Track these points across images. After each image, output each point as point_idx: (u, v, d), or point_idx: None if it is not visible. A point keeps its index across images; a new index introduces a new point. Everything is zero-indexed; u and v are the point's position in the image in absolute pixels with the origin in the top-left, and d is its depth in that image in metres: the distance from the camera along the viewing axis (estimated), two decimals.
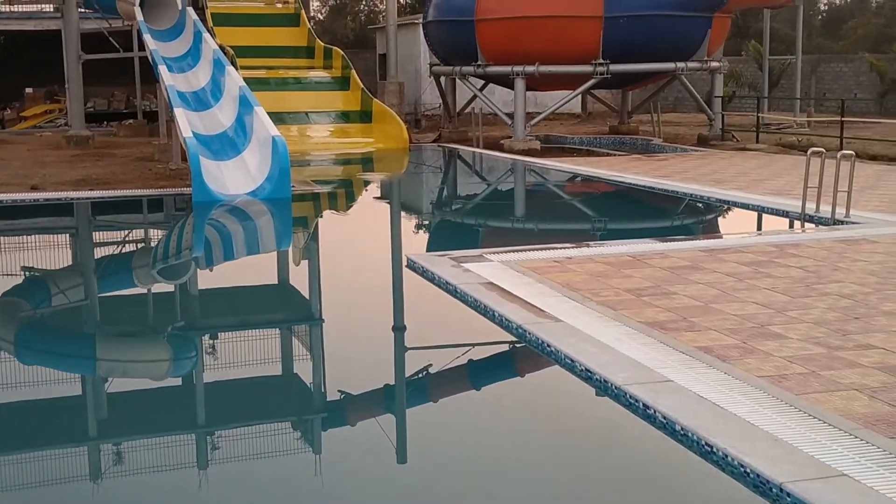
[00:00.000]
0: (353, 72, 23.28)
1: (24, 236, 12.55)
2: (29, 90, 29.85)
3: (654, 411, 5.00)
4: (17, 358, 7.15)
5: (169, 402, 6.13)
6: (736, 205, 12.69)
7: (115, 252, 11.89)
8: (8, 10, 28.57)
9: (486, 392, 6.36)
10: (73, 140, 21.67)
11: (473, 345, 6.93)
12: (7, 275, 10.06)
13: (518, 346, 6.69)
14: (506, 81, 22.67)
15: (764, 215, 11.98)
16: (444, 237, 12.36)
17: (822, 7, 54.17)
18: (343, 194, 16.46)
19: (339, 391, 6.18)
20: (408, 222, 13.84)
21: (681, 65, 21.39)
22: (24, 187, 14.60)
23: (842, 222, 10.57)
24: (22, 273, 10.14)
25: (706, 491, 4.53)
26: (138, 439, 5.35)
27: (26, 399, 6.12)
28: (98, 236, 12.98)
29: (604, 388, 5.49)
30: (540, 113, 23.37)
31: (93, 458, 5.14)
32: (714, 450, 4.53)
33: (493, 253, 8.97)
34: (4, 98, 30.42)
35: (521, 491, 4.60)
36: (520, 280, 7.85)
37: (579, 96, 25.66)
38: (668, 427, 4.88)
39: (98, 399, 6.18)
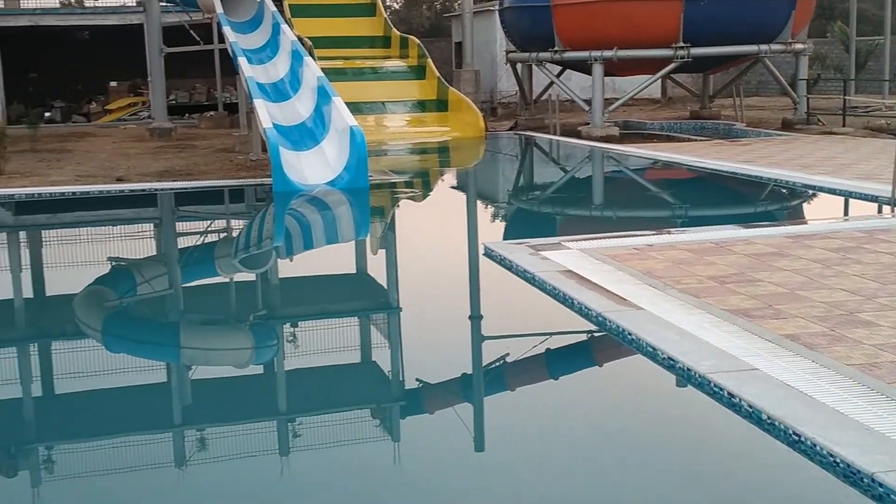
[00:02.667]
0: (429, 60, 23.27)
1: (110, 227, 12.86)
2: (113, 84, 30.55)
3: (740, 400, 4.88)
4: (105, 346, 7.32)
5: (250, 390, 6.20)
6: (822, 190, 12.34)
7: (198, 242, 12.10)
8: (92, 5, 29.31)
9: (564, 381, 6.29)
10: (156, 132, 22.13)
11: (551, 333, 6.86)
12: (94, 264, 10.31)
13: (597, 334, 6.60)
14: (583, 67, 22.43)
15: (851, 200, 11.62)
16: (521, 225, 12.28)
17: None
18: (419, 183, 16.49)
19: (416, 379, 6.18)
20: (484, 211, 13.80)
21: (764, 47, 20.87)
22: (110, 179, 14.97)
23: None
24: (108, 263, 10.38)
25: (794, 481, 4.40)
26: (221, 426, 5.43)
27: (113, 386, 6.26)
28: (181, 226, 13.22)
29: (687, 376, 5.38)
30: (618, 99, 23.07)
31: (177, 444, 5.23)
32: (802, 439, 4.40)
33: (572, 241, 8.87)
34: (90, 92, 31.22)
35: (601, 483, 4.53)
36: (599, 268, 7.75)
37: (659, 81, 25.24)
38: (753, 416, 4.76)
39: (182, 386, 6.29)
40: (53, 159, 18.11)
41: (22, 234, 12.49)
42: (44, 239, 12.25)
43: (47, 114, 28.67)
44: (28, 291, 9.09)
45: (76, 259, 10.88)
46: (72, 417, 5.73)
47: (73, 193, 13.79)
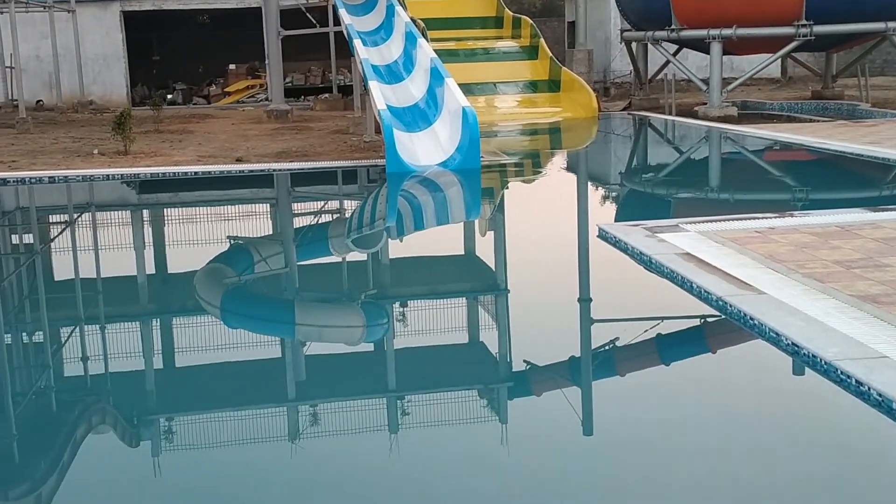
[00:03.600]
0: (542, 40, 23.05)
1: (229, 206, 13.18)
2: (232, 66, 31.28)
3: (868, 388, 4.67)
4: (223, 322, 7.50)
5: (361, 367, 6.26)
6: None
7: (312, 222, 12.29)
8: None
9: (680, 366, 6.14)
10: (274, 114, 22.56)
11: (669, 318, 6.71)
12: (213, 243, 10.58)
13: (717, 319, 6.42)
14: (700, 46, 21.85)
15: None
16: (635, 207, 12.06)
17: None
18: (531, 164, 16.36)
19: (524, 361, 6.12)
20: (596, 192, 13.60)
21: (891, 24, 19.91)
22: (229, 159, 15.34)
23: None
24: (227, 241, 10.64)
25: None
26: (332, 402, 5.49)
27: (230, 361, 6.40)
28: (297, 207, 13.45)
29: (812, 363, 5.18)
30: (737, 78, 22.40)
31: (291, 419, 5.32)
32: None
33: (690, 223, 8.65)
34: (210, 74, 32.06)
35: (717, 472, 4.40)
36: (719, 251, 7.53)
37: (779, 60, 24.40)
38: (883, 405, 4.55)
39: (296, 362, 6.39)
40: (176, 140, 18.67)
41: (146, 213, 12.92)
42: (167, 217, 12.65)
43: (169, 96, 29.57)
44: (151, 268, 9.38)
45: (197, 237, 11.19)
46: (191, 390, 5.88)
47: (196, 173, 14.19)
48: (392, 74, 16.76)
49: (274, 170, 14.41)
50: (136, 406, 5.55)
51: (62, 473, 4.54)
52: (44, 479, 4.51)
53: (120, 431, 5.21)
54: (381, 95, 14.87)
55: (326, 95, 27.56)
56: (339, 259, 9.94)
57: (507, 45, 23.60)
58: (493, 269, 8.83)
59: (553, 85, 22.26)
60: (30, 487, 4.47)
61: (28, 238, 11.32)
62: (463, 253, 9.80)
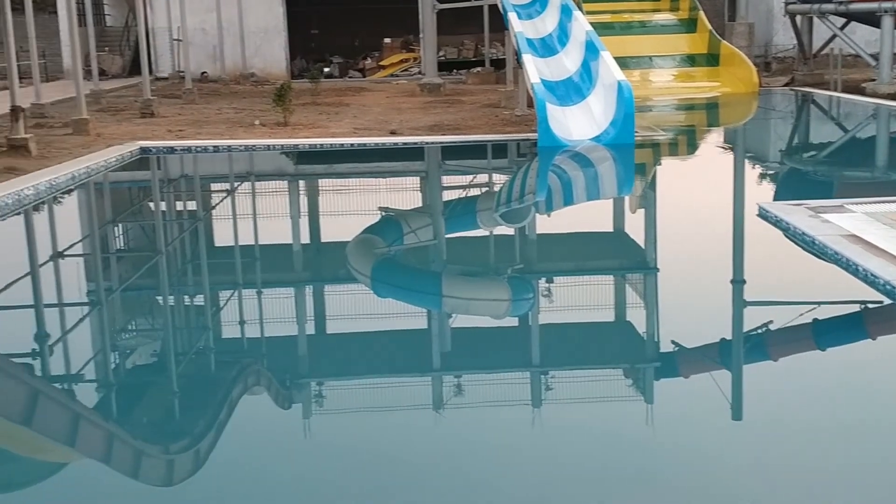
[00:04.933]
0: (701, 13, 22.37)
1: (382, 178, 13.42)
2: (387, 40, 31.72)
3: None
4: (373, 291, 7.67)
5: (506, 341, 6.28)
6: None
7: (462, 195, 12.37)
8: None
9: (840, 352, 5.90)
10: (427, 88, 22.77)
11: (829, 302, 6.44)
12: (365, 214, 10.81)
13: (882, 305, 6.12)
14: (871, 19, 20.70)
15: None
16: (798, 186, 11.59)
17: None
18: (686, 141, 15.95)
19: (672, 342, 6.00)
20: (755, 170, 13.14)
21: None
22: (383, 132, 15.62)
23: None
24: (378, 212, 10.84)
25: None
26: (476, 373, 5.54)
27: (378, 329, 6.54)
28: (447, 180, 13.57)
29: None
30: None
31: (435, 388, 5.39)
32: None
33: (856, 203, 8.25)
34: (365, 48, 32.61)
35: (870, 463, 4.20)
36: (888, 233, 7.17)
37: None
38: None
39: (442, 333, 6.47)
40: (332, 112, 19.12)
41: (302, 182, 13.31)
42: (321, 187, 12.99)
43: (326, 69, 30.25)
44: (305, 236, 9.67)
45: (350, 207, 11.45)
46: (340, 357, 6.05)
47: (352, 145, 14.50)
48: (546, 48, 16.63)
49: (426, 143, 14.57)
50: (288, 369, 5.75)
51: (219, 431, 4.76)
52: (202, 435, 4.74)
53: (273, 393, 5.42)
54: (535, 69, 14.78)
55: (479, 69, 27.58)
56: (487, 233, 9.98)
57: (665, 17, 23.02)
58: (644, 246, 8.68)
59: (712, 59, 21.59)
60: (190, 442, 4.71)
61: (192, 205, 11.85)
62: (612, 230, 9.67)
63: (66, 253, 8.93)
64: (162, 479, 4.44)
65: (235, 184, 12.96)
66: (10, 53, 14.30)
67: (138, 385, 5.55)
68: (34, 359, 5.93)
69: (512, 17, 16.78)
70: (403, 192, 12.53)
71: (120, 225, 10.58)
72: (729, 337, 6.08)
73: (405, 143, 14.60)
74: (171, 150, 14.34)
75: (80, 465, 4.59)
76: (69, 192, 11.26)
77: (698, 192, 11.27)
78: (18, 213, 9.85)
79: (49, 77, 28.56)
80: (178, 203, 12.05)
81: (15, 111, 13.51)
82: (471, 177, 13.61)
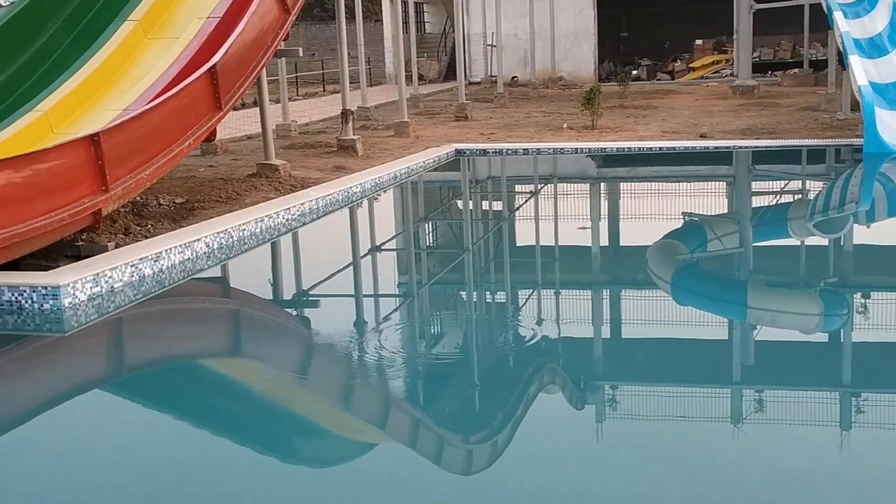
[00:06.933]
0: None
1: (686, 182, 13.14)
2: (698, 42, 30.98)
3: None
4: (673, 297, 7.55)
5: (815, 357, 5.95)
6: None
7: (772, 202, 11.84)
8: None
9: None
10: (739, 90, 22.00)
11: None
12: (668, 218, 10.64)
13: None
14: None
15: None
16: None
17: None
18: None
19: None
20: None
21: None
22: (693, 135, 15.31)
23: None
24: (682, 217, 10.64)
25: None
26: (779, 389, 5.29)
27: (677, 337, 6.42)
28: (756, 185, 13.04)
29: None
30: None
31: (734, 401, 5.22)
32: None
33: None
34: (675, 50, 32.03)
35: None
36: None
37: None
38: None
39: (744, 345, 6.24)
40: (640, 115, 18.98)
41: (603, 185, 13.32)
42: (623, 190, 12.95)
43: (634, 72, 30.06)
44: (605, 239, 9.69)
45: (652, 211, 11.32)
46: (635, 362, 6.01)
47: (660, 149, 14.33)
48: (875, 48, 15.49)
49: (738, 147, 14.09)
50: (582, 370, 5.80)
51: (515, 425, 4.90)
52: (499, 429, 4.90)
53: (567, 393, 5.49)
54: (863, 70, 13.85)
55: (795, 70, 26.26)
56: (798, 242, 9.49)
57: None
58: None
59: None
60: (487, 434, 4.89)
61: (498, 205, 12.24)
62: None
63: (382, 247, 9.56)
64: (461, 468, 4.64)
65: (539, 185, 13.22)
66: (343, 60, 15.51)
67: (442, 375, 5.83)
68: (351, 344, 6.41)
69: (837, 16, 15.78)
70: (709, 197, 12.19)
71: (431, 222, 11.15)
72: None
73: (716, 147, 14.20)
74: (484, 152, 14.88)
75: (388, 448, 4.90)
76: (389, 190, 12.02)
77: None
78: (344, 208, 10.65)
79: (372, 82, 30.60)
80: (484, 203, 12.50)
81: (345, 114, 14.64)
82: (783, 183, 13.00)
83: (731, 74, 26.69)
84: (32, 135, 9.24)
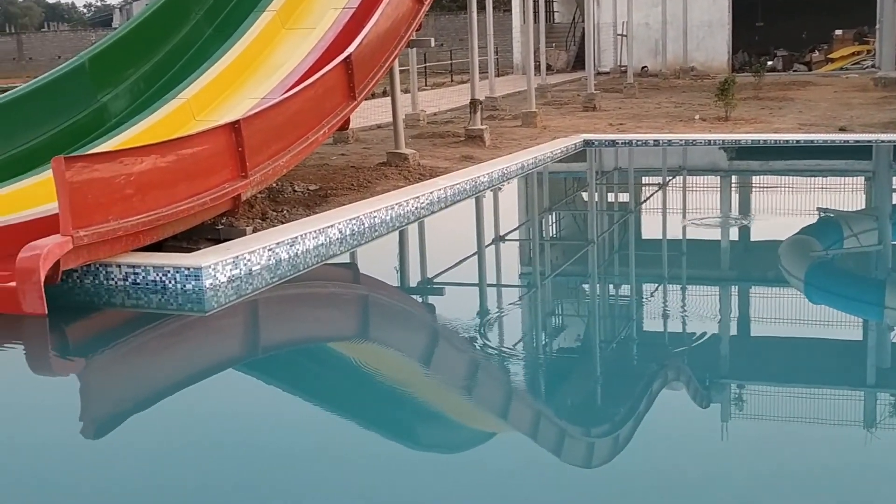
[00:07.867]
0: None
1: (822, 176, 12.73)
2: (838, 32, 29.88)
3: None
4: (806, 295, 7.35)
5: None
6: None
7: None
8: None
9: None
10: (882, 82, 21.13)
11: None
12: (802, 214, 10.34)
13: None
14: None
15: None
16: None
17: None
18: None
19: None
20: None
21: None
22: (831, 128, 14.83)
23: None
24: (817, 213, 10.32)
25: None
26: None
27: (809, 336, 6.26)
28: None
29: None
30: None
31: (868, 405, 5.07)
32: None
33: None
34: (813, 40, 30.96)
35: None
36: None
37: None
38: None
39: (881, 346, 6.05)
40: (775, 107, 18.46)
41: (735, 178, 13.02)
42: (755, 183, 12.63)
43: (769, 62, 29.21)
44: (734, 234, 9.49)
45: (786, 207, 11.02)
46: (764, 360, 5.89)
47: (797, 141, 13.93)
48: None
49: (880, 141, 13.56)
50: (707, 368, 5.72)
51: (637, 421, 4.89)
52: (622, 423, 4.90)
53: (692, 391, 5.43)
54: None
55: None
56: None
57: None
58: None
59: None
60: (609, 429, 4.89)
61: (624, 197, 12.13)
62: None
63: (507, 237, 9.62)
64: (581, 461, 4.66)
65: (668, 178, 13.03)
66: (473, 50, 15.61)
67: (563, 367, 5.86)
68: (474, 333, 6.50)
69: None
70: (846, 193, 11.79)
71: (555, 213, 11.14)
72: None
73: (856, 141, 13.70)
74: (612, 142, 14.75)
75: (508, 436, 4.96)
76: (514, 180, 12.07)
77: None
78: (471, 198, 10.75)
79: (499, 72, 30.66)
80: (610, 195, 12.40)
81: (474, 104, 14.75)
82: None
83: (873, 66, 25.64)
84: (175, 121, 9.66)
